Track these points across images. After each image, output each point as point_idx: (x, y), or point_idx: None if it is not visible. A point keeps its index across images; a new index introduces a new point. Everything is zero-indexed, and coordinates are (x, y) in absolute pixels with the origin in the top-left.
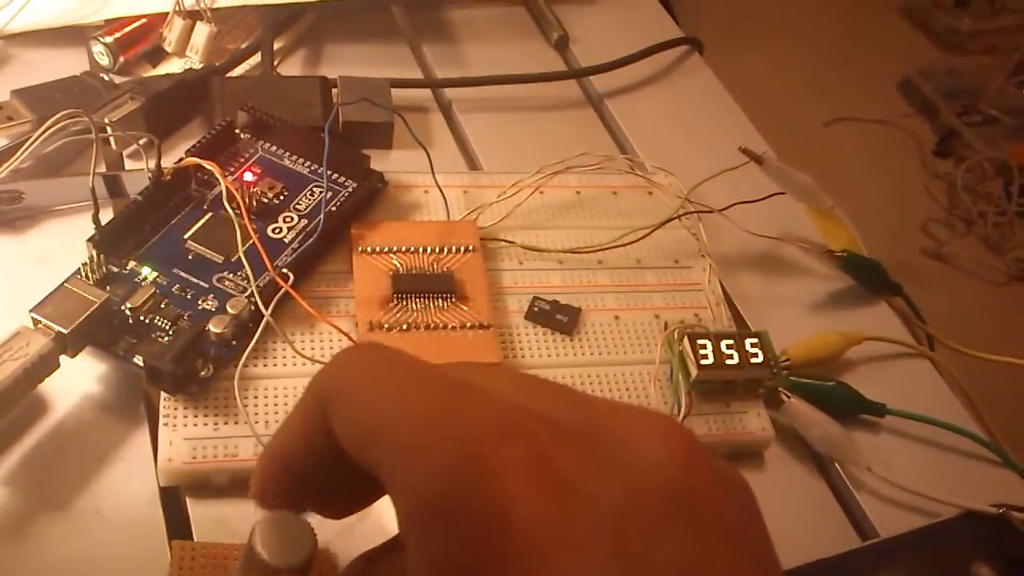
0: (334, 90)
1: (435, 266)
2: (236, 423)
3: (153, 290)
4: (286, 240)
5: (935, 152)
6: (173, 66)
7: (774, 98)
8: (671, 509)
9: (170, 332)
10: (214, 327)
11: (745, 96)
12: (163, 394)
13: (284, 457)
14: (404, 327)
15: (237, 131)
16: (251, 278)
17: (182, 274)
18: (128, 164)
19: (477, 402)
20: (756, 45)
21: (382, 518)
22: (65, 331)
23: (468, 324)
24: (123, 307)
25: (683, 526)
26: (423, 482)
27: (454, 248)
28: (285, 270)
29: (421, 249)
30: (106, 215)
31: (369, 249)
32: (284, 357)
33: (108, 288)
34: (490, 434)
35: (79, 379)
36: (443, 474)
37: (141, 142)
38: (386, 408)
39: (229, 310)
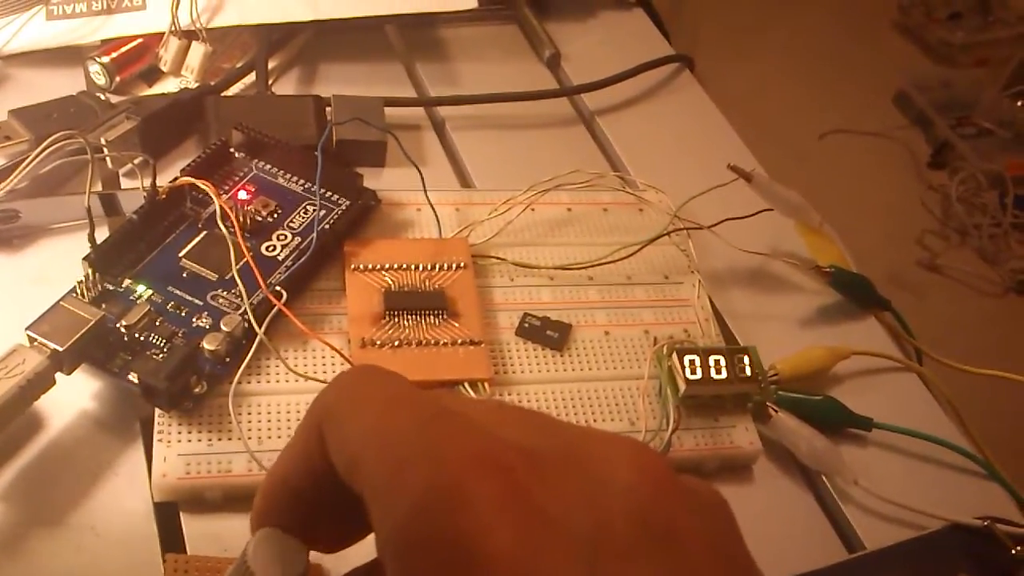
0: (328, 109)
1: (427, 283)
2: (230, 439)
3: (148, 308)
4: (280, 258)
5: (930, 164)
6: (169, 85)
7: (770, 111)
8: (644, 535)
9: (165, 349)
10: (208, 344)
11: (740, 110)
12: (157, 410)
13: (286, 477)
14: (396, 344)
15: (232, 150)
16: (244, 296)
17: (177, 292)
18: (124, 183)
19: (456, 431)
20: (751, 60)
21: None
22: (61, 349)
23: (459, 340)
24: (118, 325)
25: (657, 551)
26: (398, 508)
27: (446, 265)
28: (278, 288)
29: (413, 266)
30: (102, 234)
31: (362, 266)
32: (277, 374)
33: (103, 306)
34: (466, 463)
35: (74, 396)
36: (417, 501)
37: (136, 161)
38: (370, 433)
39: (223, 327)
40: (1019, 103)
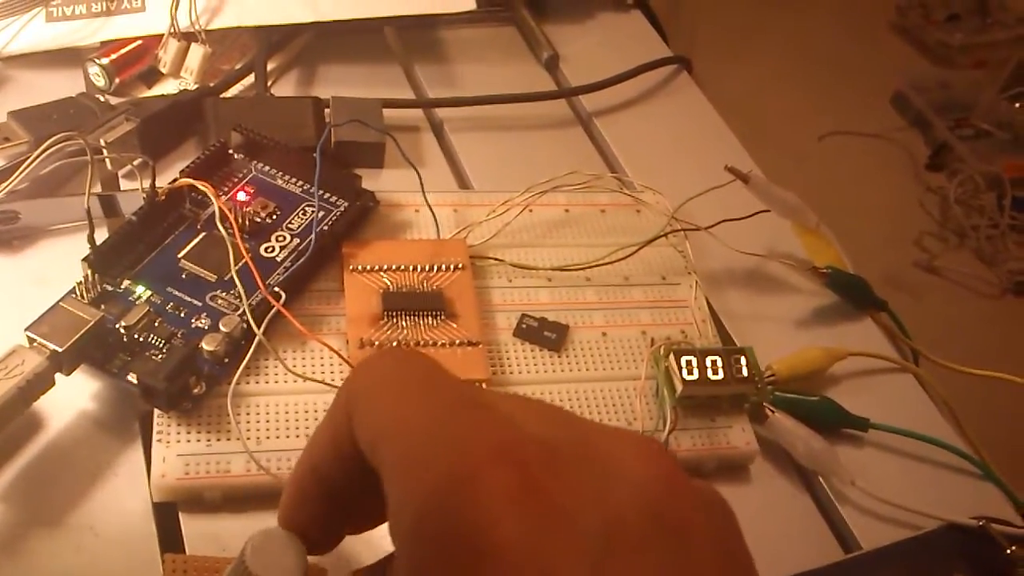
0: (327, 110)
1: (425, 284)
2: (228, 440)
3: (147, 309)
4: (278, 259)
5: (928, 166)
6: (168, 87)
7: (768, 113)
8: (652, 528)
9: (164, 350)
10: (207, 345)
11: (738, 111)
12: (156, 411)
13: (315, 466)
14: (394, 344)
15: (231, 151)
16: (243, 297)
17: (176, 293)
18: (123, 184)
19: (477, 422)
20: (749, 61)
21: (373, 536)
22: (60, 349)
23: (457, 341)
24: (117, 326)
25: (664, 545)
26: (414, 496)
27: (444, 266)
28: (277, 289)
29: (411, 267)
30: (101, 235)
31: (360, 267)
32: (276, 374)
33: (103, 307)
34: (483, 455)
35: (74, 397)
36: (433, 490)
37: (136, 163)
38: (394, 416)
39: (222, 328)
40: (1017, 105)
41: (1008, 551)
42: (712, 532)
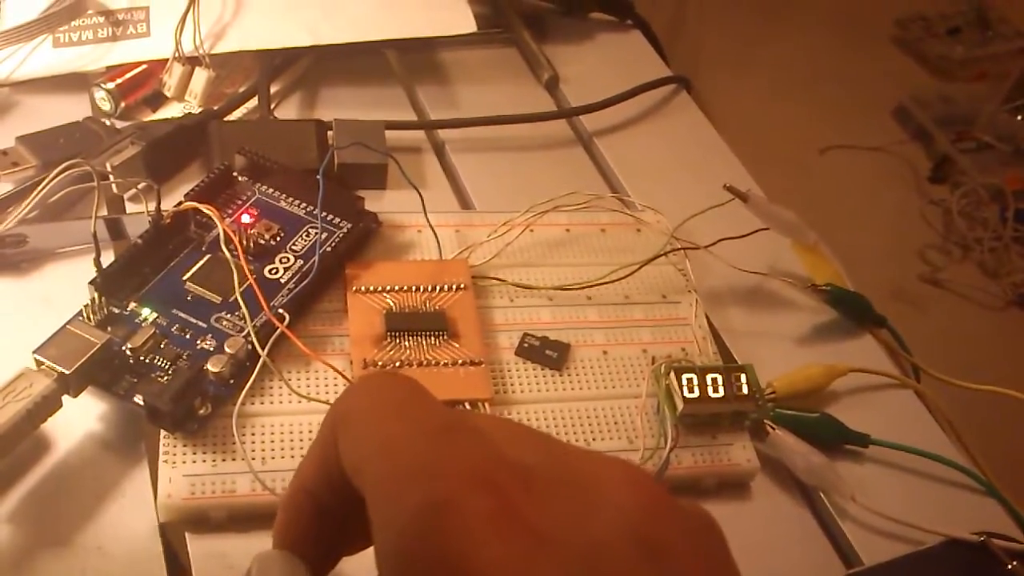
0: (329, 133)
1: (428, 304)
2: (234, 460)
3: (153, 331)
4: (282, 280)
5: (930, 178)
6: (173, 110)
7: (770, 127)
8: (635, 553)
9: (169, 372)
10: (212, 366)
11: (740, 128)
12: (162, 432)
13: (306, 487)
14: (398, 365)
15: (235, 174)
16: (248, 318)
17: (181, 315)
18: (129, 207)
19: (455, 446)
20: (750, 78)
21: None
22: (67, 372)
23: (460, 361)
24: (124, 348)
25: (647, 569)
26: (395, 521)
27: (446, 287)
28: (281, 310)
29: (414, 288)
30: (107, 258)
31: (363, 288)
32: (280, 395)
33: (109, 329)
34: (462, 480)
35: (81, 418)
36: (412, 516)
37: (141, 186)
38: (377, 440)
39: (227, 350)
40: (1019, 117)
41: (1009, 566)
42: (698, 556)
